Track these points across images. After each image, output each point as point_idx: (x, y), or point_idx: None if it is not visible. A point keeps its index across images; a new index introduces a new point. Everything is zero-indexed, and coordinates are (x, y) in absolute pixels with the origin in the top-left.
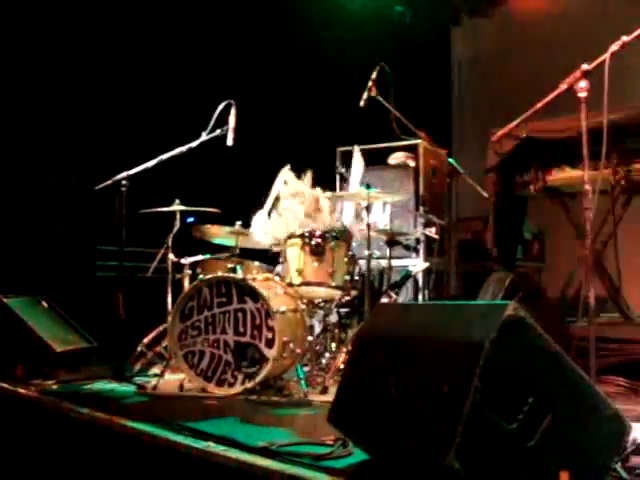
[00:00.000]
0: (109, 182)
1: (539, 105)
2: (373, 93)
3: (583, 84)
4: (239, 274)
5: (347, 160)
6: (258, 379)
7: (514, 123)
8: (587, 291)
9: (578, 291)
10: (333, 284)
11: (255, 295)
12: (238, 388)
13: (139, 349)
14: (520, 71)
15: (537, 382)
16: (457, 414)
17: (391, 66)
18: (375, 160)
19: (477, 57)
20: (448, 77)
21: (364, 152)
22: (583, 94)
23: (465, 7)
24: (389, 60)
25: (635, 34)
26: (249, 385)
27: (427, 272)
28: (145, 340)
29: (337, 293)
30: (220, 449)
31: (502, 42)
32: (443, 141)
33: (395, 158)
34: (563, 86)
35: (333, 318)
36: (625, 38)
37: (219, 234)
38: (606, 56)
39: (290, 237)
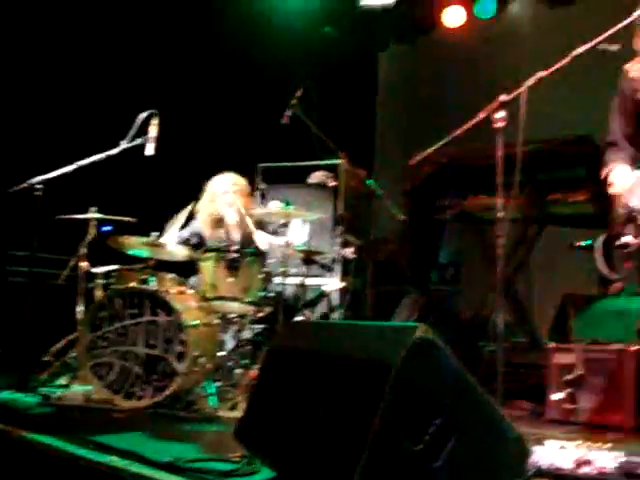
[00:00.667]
0: (23, 185)
1: (457, 132)
2: (296, 111)
3: (500, 114)
4: (153, 286)
5: (268, 176)
6: (167, 393)
7: (432, 148)
8: (496, 316)
9: (490, 315)
10: (247, 300)
11: (168, 308)
12: (147, 401)
13: (46, 358)
14: (442, 98)
15: (444, 403)
16: (363, 434)
17: (317, 86)
18: (295, 178)
19: (402, 82)
20: (373, 100)
21: (285, 169)
22: (500, 124)
23: (392, 34)
24: (315, 80)
25: (552, 69)
26: (158, 399)
27: (343, 292)
28: (52, 349)
29: (251, 309)
30: (124, 464)
31: (426, 69)
32: (365, 163)
33: (315, 177)
34: (481, 115)
35: (246, 334)
36: (541, 73)
37: (134, 245)
38: (522, 90)
39: (206, 251)
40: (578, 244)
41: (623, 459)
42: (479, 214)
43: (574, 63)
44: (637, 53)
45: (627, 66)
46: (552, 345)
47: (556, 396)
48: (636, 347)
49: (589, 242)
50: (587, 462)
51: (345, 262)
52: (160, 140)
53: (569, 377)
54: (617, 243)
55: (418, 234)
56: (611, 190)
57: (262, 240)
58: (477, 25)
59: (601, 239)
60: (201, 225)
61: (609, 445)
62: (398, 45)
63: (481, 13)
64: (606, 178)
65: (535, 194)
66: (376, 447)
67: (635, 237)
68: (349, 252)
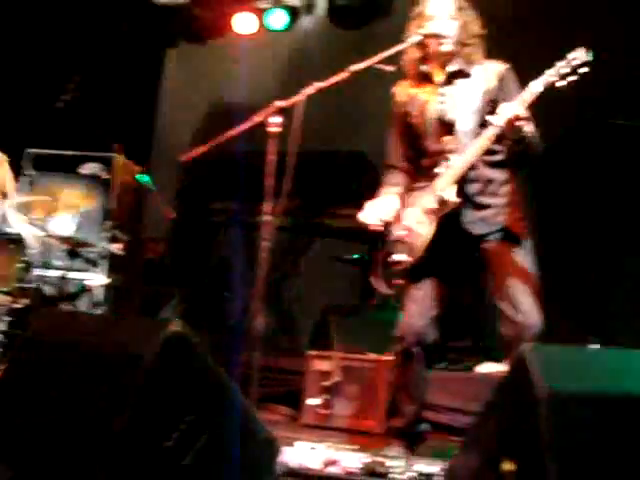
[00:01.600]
0: None
1: (232, 133)
2: (68, 97)
3: (276, 119)
4: None
5: (38, 163)
6: None
7: (203, 148)
8: (256, 321)
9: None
10: (2, 289)
11: None
12: None
13: None
14: (228, 102)
15: (196, 401)
16: (109, 429)
17: (100, 77)
18: (66, 167)
19: (187, 81)
20: (156, 96)
21: (56, 157)
22: (274, 129)
23: (182, 32)
24: (101, 70)
25: (330, 81)
26: None
27: (109, 288)
28: None
29: (6, 299)
30: None
31: (215, 71)
32: (142, 158)
33: (87, 168)
34: (257, 118)
35: (1, 325)
36: (320, 84)
37: None
38: (300, 98)
39: None
40: (343, 257)
41: (367, 459)
42: (250, 219)
43: (353, 81)
44: (404, 76)
45: (395, 89)
46: (312, 352)
47: (312, 401)
48: (390, 357)
49: (355, 256)
50: (334, 462)
51: (112, 258)
52: None
53: (326, 383)
54: (389, 260)
55: (189, 235)
56: (362, 215)
57: (16, 220)
58: (269, 34)
59: (375, 254)
60: None
61: (356, 447)
62: (187, 44)
63: (272, 24)
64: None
65: (305, 204)
66: (123, 443)
67: (405, 257)
68: (117, 248)
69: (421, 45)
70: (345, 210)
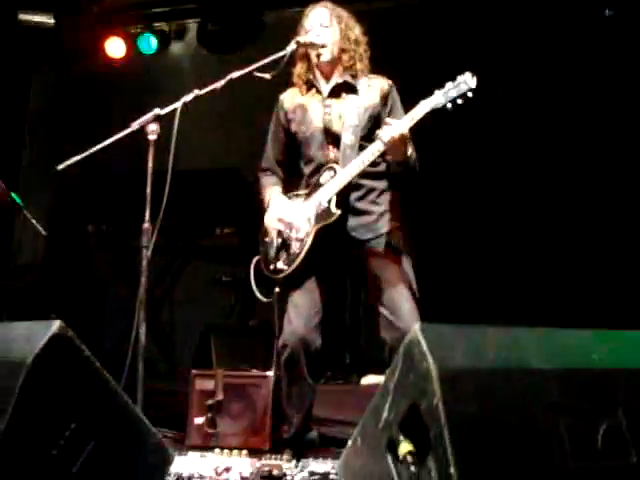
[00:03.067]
0: None
1: (107, 142)
2: None
3: (154, 127)
4: None
5: None
6: None
7: (78, 157)
8: (134, 341)
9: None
10: None
11: None
12: None
13: None
14: (104, 121)
15: (82, 406)
16: None
17: None
18: None
19: (57, 99)
20: (25, 117)
21: None
22: (153, 136)
23: (52, 54)
24: None
25: (207, 89)
26: None
27: None
28: None
29: None
30: None
31: (87, 92)
32: (11, 177)
33: None
34: (135, 126)
35: None
36: (197, 92)
37: None
38: (178, 104)
39: None
40: (220, 279)
41: (259, 464)
42: (126, 240)
43: (229, 98)
44: (292, 84)
45: (282, 96)
46: (194, 372)
47: (197, 421)
48: (272, 373)
49: (225, 279)
50: (227, 469)
51: None
52: None
53: (209, 402)
54: (270, 268)
55: (61, 259)
56: (267, 217)
57: None
58: (141, 57)
59: (255, 260)
60: None
61: (245, 452)
62: (55, 67)
63: (143, 49)
64: (264, 202)
65: (182, 224)
66: (5, 450)
67: (286, 265)
68: None
69: (305, 56)
70: (222, 229)
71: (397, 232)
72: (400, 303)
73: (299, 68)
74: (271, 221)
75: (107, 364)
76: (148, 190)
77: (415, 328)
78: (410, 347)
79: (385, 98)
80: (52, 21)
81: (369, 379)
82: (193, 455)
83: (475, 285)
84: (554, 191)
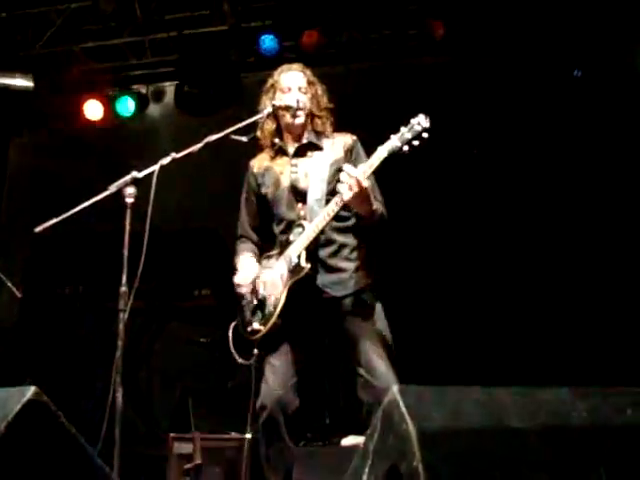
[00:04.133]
0: None
1: (86, 204)
2: None
3: (131, 190)
4: None
5: None
6: None
7: (56, 219)
8: (113, 407)
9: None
10: None
11: None
12: None
13: None
14: (77, 185)
15: (57, 474)
16: None
17: None
18: None
19: (35, 165)
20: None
21: None
22: (130, 199)
23: (30, 117)
24: None
25: (184, 152)
26: None
27: None
28: None
29: None
30: None
31: (65, 156)
32: None
33: None
34: (112, 188)
35: None
36: (174, 155)
37: None
38: (155, 167)
39: None
40: (197, 339)
41: None
42: (103, 301)
43: (207, 158)
44: (259, 149)
45: (252, 161)
46: (172, 435)
47: None
48: (250, 436)
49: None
50: None
51: None
52: None
53: (188, 466)
54: (247, 329)
55: (38, 320)
56: (237, 279)
57: None
58: (119, 120)
59: (233, 325)
60: None
61: None
62: (34, 129)
63: (120, 111)
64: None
65: (159, 285)
66: None
67: (261, 325)
68: None
69: (274, 117)
70: (199, 291)
71: (371, 289)
72: (376, 363)
73: (267, 128)
74: (240, 283)
75: (85, 425)
76: (125, 252)
77: (394, 390)
78: (389, 409)
79: (350, 152)
80: (31, 84)
81: (349, 440)
82: None
83: (452, 340)
84: (527, 248)
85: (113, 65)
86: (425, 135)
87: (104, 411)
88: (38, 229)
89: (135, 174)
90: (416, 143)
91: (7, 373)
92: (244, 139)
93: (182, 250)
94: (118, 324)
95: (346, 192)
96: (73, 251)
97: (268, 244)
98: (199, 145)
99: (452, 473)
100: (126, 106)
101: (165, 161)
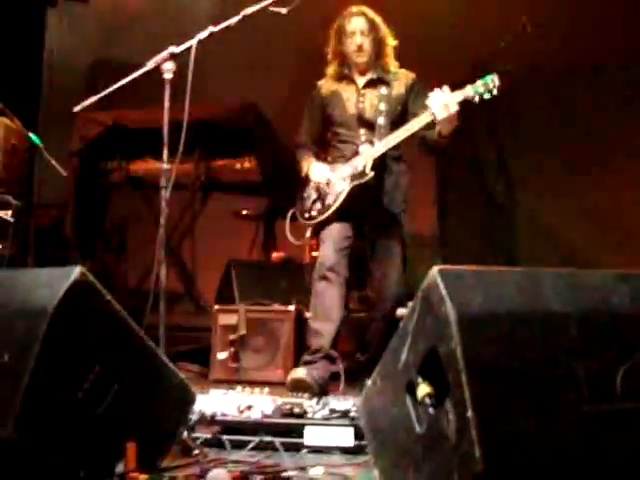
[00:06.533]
0: None
1: (125, 81)
2: None
3: (169, 65)
4: None
5: None
6: None
7: (95, 98)
8: (158, 281)
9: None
10: None
11: None
12: None
13: None
14: (113, 57)
15: (104, 350)
16: (16, 384)
17: None
18: None
19: (73, 41)
20: (40, 57)
21: None
22: (169, 75)
23: None
24: None
25: (222, 25)
26: None
27: None
28: None
29: None
30: None
31: (101, 28)
32: (29, 121)
33: None
34: (150, 64)
35: None
36: (212, 28)
37: None
38: (193, 42)
39: None
40: (242, 212)
41: (280, 402)
42: (145, 178)
43: (243, 33)
44: (327, 75)
45: (320, 83)
46: (217, 307)
47: (220, 355)
48: (294, 307)
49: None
50: (249, 407)
51: (2, 225)
52: None
53: (232, 337)
54: (305, 215)
55: (83, 198)
56: (312, 171)
57: None
58: None
59: (291, 212)
60: None
61: (267, 391)
62: (68, 1)
63: None
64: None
65: (201, 160)
66: (30, 397)
67: (319, 213)
68: (6, 214)
69: (340, 54)
70: (241, 163)
71: (404, 214)
72: (390, 280)
73: (334, 66)
74: (315, 174)
75: (131, 301)
76: (165, 130)
77: (434, 271)
78: (428, 291)
79: (411, 89)
80: None
81: (403, 311)
82: (215, 393)
83: None
84: None
85: None
86: (495, 92)
87: (150, 284)
88: (77, 108)
89: (173, 49)
90: (487, 97)
91: (57, 248)
92: (283, 11)
93: (222, 123)
94: (160, 201)
95: (440, 111)
96: (116, 129)
97: (325, 152)
98: (237, 18)
99: (490, 356)
100: None
101: (203, 35)
